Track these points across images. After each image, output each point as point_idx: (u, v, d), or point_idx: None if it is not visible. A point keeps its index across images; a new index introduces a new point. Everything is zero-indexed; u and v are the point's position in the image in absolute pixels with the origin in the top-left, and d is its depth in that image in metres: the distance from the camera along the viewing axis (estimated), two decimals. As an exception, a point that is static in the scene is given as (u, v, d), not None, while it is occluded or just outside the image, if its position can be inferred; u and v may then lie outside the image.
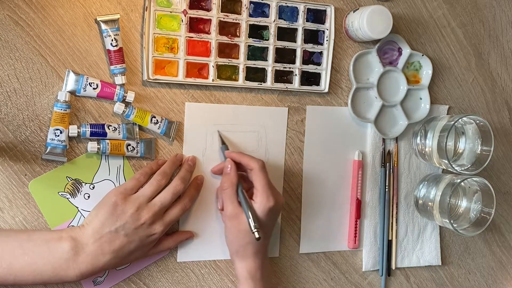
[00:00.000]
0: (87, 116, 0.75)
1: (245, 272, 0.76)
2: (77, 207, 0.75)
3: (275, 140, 0.84)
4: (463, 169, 0.88)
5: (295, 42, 0.83)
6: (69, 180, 0.74)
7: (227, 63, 0.80)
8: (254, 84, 0.82)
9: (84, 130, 0.73)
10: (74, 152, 0.74)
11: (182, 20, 0.77)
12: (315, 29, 0.84)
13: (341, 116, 0.88)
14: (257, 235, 0.71)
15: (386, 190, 0.90)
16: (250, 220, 0.72)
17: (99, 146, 0.73)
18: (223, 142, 0.80)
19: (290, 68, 0.83)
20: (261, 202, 0.74)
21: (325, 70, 0.85)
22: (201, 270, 0.82)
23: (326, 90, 0.86)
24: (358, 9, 0.84)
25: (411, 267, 0.94)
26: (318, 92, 0.86)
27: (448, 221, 0.84)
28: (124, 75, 0.74)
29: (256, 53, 0.82)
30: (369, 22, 0.81)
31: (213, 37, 0.79)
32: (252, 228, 0.71)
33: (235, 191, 0.75)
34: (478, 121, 0.88)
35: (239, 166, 0.78)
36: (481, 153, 0.89)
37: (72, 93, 0.73)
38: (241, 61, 0.81)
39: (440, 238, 0.96)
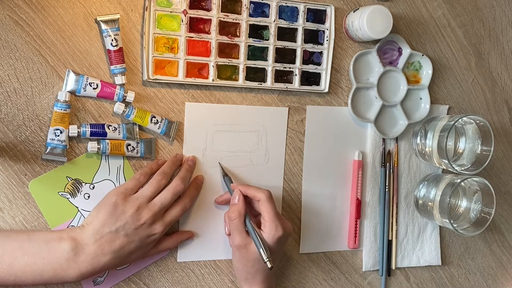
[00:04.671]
0: (87, 116, 0.74)
1: None
2: (77, 207, 0.75)
3: (275, 140, 0.84)
4: (463, 169, 0.88)
5: (295, 42, 0.83)
6: (69, 180, 0.74)
7: (227, 63, 0.80)
8: (254, 84, 0.82)
9: (84, 130, 0.73)
10: (74, 152, 0.74)
11: (182, 20, 0.77)
12: (315, 29, 0.84)
13: (341, 116, 0.88)
14: (269, 265, 0.72)
15: (386, 190, 0.90)
16: (261, 250, 0.73)
17: (99, 146, 0.73)
18: (225, 174, 0.80)
19: (290, 68, 0.83)
20: (269, 232, 0.75)
21: (325, 70, 0.85)
22: (201, 270, 0.82)
23: (326, 90, 0.85)
24: (358, 9, 0.84)
25: (411, 267, 0.94)
26: (318, 92, 0.86)
27: (448, 221, 0.84)
28: (124, 75, 0.74)
29: (256, 53, 0.81)
30: (369, 22, 0.81)
31: (213, 37, 0.79)
32: (264, 258, 0.72)
33: (243, 222, 0.76)
34: (478, 121, 0.88)
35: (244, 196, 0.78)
36: (481, 153, 0.89)
37: (72, 93, 0.73)
38: (241, 61, 0.81)
39: (440, 238, 0.96)
